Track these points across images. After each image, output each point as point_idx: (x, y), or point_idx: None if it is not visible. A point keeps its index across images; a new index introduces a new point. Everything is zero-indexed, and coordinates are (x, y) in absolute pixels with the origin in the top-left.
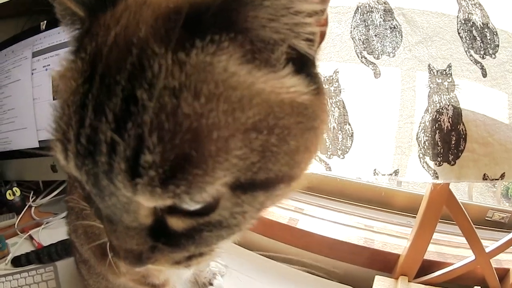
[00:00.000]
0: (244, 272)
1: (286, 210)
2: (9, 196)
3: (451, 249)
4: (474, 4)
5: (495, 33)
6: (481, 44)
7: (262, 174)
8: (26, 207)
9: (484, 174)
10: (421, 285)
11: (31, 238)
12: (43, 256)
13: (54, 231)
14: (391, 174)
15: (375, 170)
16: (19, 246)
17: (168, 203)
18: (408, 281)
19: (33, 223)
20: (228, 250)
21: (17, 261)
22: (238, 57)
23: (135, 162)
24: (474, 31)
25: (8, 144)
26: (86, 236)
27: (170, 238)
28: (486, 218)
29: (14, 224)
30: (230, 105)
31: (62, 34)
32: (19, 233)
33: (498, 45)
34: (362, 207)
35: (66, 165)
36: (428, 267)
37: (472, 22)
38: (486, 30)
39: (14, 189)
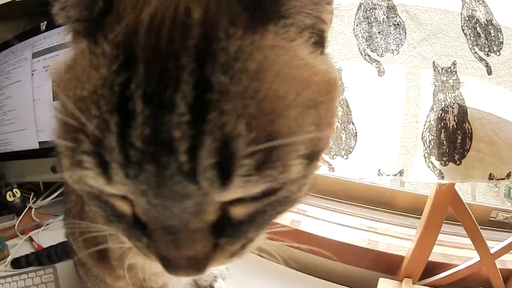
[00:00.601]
0: (246, 275)
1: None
2: (9, 198)
3: (455, 250)
4: (478, 1)
5: (499, 30)
6: (486, 41)
7: (319, 144)
8: (26, 208)
9: (490, 174)
10: (426, 287)
11: (31, 239)
12: (42, 258)
13: (54, 233)
14: (396, 175)
15: (379, 170)
16: (19, 247)
17: (260, 190)
18: (413, 283)
19: (33, 225)
20: None
21: (17, 263)
22: (301, 42)
23: (226, 154)
24: (478, 28)
25: (9, 145)
26: (84, 239)
27: (231, 229)
28: (490, 219)
29: (14, 225)
30: (300, 84)
31: (62, 35)
32: (19, 234)
33: (502, 42)
34: (365, 208)
35: (106, 182)
36: (432, 268)
37: (476, 19)
38: (490, 27)
39: (14, 190)
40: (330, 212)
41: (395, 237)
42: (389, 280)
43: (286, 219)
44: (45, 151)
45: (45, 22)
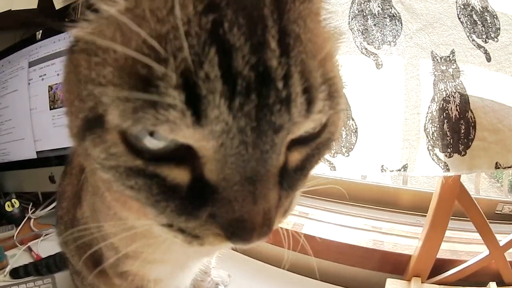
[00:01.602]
0: (248, 282)
1: (290, 215)
2: (8, 208)
3: (463, 246)
4: None
5: (495, 16)
6: (482, 28)
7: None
8: (25, 218)
9: (496, 163)
10: (435, 285)
11: (30, 249)
12: (41, 268)
13: (53, 243)
14: (399, 170)
15: (382, 166)
16: (17, 257)
17: (321, 121)
18: (422, 282)
19: (32, 235)
20: (231, 259)
21: (16, 273)
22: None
23: (308, 83)
24: (474, 16)
25: (6, 156)
26: (77, 247)
27: (288, 179)
28: (496, 212)
29: (13, 235)
30: (326, 42)
31: (57, 43)
32: (18, 244)
33: (499, 28)
34: (368, 208)
35: (191, 124)
36: (441, 266)
37: (472, 7)
38: (486, 13)
39: (13, 200)
40: (333, 214)
41: (401, 236)
42: (397, 280)
43: (288, 223)
44: (43, 160)
45: (41, 31)
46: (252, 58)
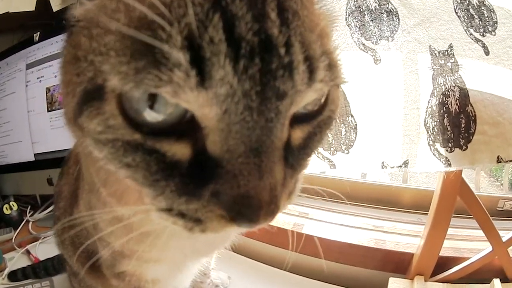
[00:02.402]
0: (248, 283)
1: (290, 215)
2: (6, 211)
3: (465, 243)
4: None
5: (492, 10)
6: (480, 22)
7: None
8: (24, 221)
9: (498, 157)
10: (439, 283)
11: (28, 252)
12: (39, 270)
13: (51, 246)
14: (400, 166)
15: (383, 163)
16: (16, 260)
17: (323, 91)
18: (425, 281)
19: (30, 238)
20: (231, 260)
21: (14, 276)
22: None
23: (309, 54)
24: (471, 10)
25: (4, 158)
26: (74, 247)
27: (292, 157)
28: (497, 208)
29: (11, 238)
30: (319, 19)
31: (55, 45)
32: (16, 247)
33: (496, 22)
34: (369, 208)
35: (195, 85)
36: (444, 264)
37: (468, 1)
38: (483, 7)
39: (11, 203)
40: (333, 214)
41: (403, 235)
42: (400, 279)
43: (288, 223)
44: (41, 163)
45: (39, 33)
46: (255, 25)
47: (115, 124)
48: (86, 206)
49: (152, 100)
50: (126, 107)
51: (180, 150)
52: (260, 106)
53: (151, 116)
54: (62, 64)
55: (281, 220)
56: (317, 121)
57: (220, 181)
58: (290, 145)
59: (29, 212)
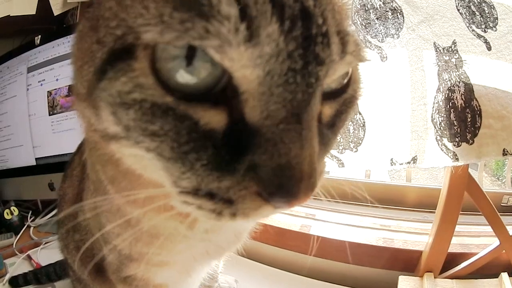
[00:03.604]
0: (255, 287)
1: (297, 217)
2: (7, 216)
3: (472, 239)
4: None
5: (492, 6)
6: (481, 18)
7: None
8: (25, 227)
9: (504, 149)
10: (448, 279)
11: (29, 258)
12: (41, 276)
13: (53, 251)
14: (409, 162)
15: (391, 159)
16: (17, 266)
17: (351, 66)
18: (434, 277)
19: (31, 243)
20: (239, 264)
21: (15, 281)
22: None
23: (340, 29)
24: (472, 7)
25: (5, 162)
26: (78, 251)
27: (322, 134)
28: (502, 204)
29: (12, 243)
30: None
31: (56, 49)
32: (17, 253)
33: (497, 18)
34: (375, 207)
35: (243, 40)
36: (452, 260)
37: None
38: (483, 4)
39: (12, 208)
40: (340, 214)
41: (410, 233)
42: (410, 277)
43: (295, 225)
44: (42, 167)
45: (40, 37)
46: None
47: (145, 83)
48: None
49: (188, 59)
50: (158, 68)
51: (214, 118)
52: (303, 69)
53: (184, 78)
54: (76, 39)
55: (288, 222)
56: (342, 99)
57: (258, 151)
58: (321, 121)
59: (30, 217)
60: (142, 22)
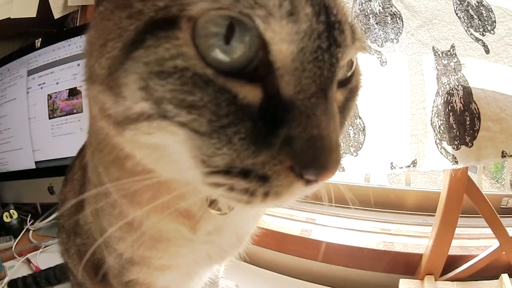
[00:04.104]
0: None
1: (298, 221)
2: (6, 219)
3: (472, 242)
4: None
5: (490, 10)
6: (479, 22)
7: None
8: (24, 230)
9: (503, 152)
10: (449, 282)
11: (28, 261)
12: (40, 280)
13: (52, 255)
14: (409, 166)
15: (392, 163)
16: (16, 269)
17: (358, 52)
18: (435, 280)
19: (30, 246)
20: (239, 268)
21: (14, 285)
22: None
23: (349, 19)
24: (470, 10)
25: (5, 165)
26: (79, 255)
27: (338, 115)
28: (501, 206)
29: (11, 247)
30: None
31: (57, 52)
32: (16, 256)
33: (495, 21)
34: (375, 211)
35: (298, 14)
36: (452, 263)
37: (467, 2)
38: (481, 8)
39: (11, 211)
40: (340, 219)
41: (410, 236)
42: (410, 280)
43: (295, 229)
44: (42, 171)
45: (40, 39)
46: None
47: (187, 52)
48: (92, 212)
49: (227, 38)
50: (197, 43)
51: (250, 93)
52: (328, 49)
53: (223, 53)
54: (97, 21)
55: (288, 226)
56: (349, 87)
57: (293, 124)
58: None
59: (29, 221)
60: None
